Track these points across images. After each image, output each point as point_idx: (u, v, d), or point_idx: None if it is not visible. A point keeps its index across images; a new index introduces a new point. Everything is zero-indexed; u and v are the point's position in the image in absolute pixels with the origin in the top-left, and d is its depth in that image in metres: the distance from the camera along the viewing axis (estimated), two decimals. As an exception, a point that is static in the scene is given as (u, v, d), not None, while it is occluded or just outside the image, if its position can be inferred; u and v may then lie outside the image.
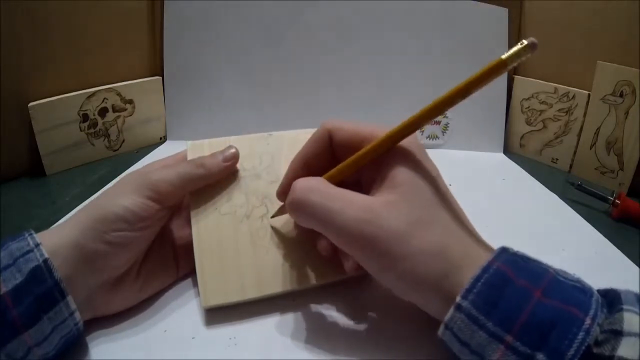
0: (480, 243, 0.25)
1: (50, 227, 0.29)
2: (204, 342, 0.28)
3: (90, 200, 0.30)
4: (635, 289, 0.22)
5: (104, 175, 0.51)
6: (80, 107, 0.53)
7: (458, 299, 0.21)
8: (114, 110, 0.56)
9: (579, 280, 0.22)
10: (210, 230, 0.31)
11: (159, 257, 0.31)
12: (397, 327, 0.29)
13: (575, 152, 0.57)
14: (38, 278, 0.23)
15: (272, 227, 0.32)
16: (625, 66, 0.50)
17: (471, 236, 0.25)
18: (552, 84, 0.58)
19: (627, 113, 0.51)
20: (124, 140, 0.58)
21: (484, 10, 0.58)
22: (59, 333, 0.24)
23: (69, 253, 0.25)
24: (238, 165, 0.33)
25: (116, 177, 0.47)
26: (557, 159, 0.59)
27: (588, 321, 0.19)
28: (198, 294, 0.30)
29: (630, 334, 0.19)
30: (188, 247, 0.31)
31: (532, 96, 0.60)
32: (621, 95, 0.51)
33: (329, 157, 0.29)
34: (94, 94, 0.53)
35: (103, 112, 0.55)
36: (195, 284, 0.32)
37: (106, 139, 0.56)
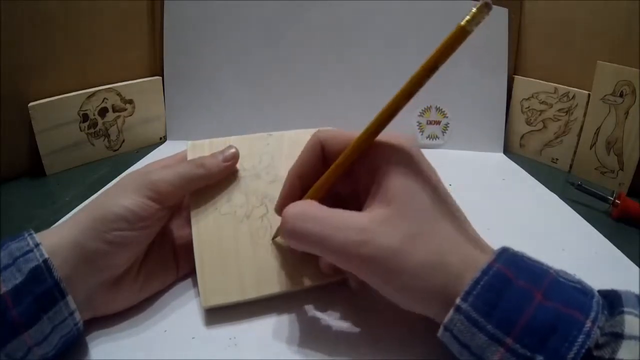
0: (481, 247, 0.24)
1: (50, 227, 0.29)
2: (204, 342, 0.28)
3: (90, 200, 0.30)
4: (635, 290, 0.22)
5: (104, 175, 0.51)
6: (80, 107, 0.53)
7: (458, 300, 0.21)
8: (114, 110, 0.56)
9: (579, 282, 0.22)
10: (210, 230, 0.31)
11: (159, 257, 0.31)
12: (397, 328, 0.29)
13: (575, 152, 0.57)
14: (38, 278, 0.23)
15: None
16: (625, 66, 0.50)
17: (472, 242, 0.24)
18: (552, 84, 0.58)
19: (627, 113, 0.51)
20: (124, 140, 0.58)
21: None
22: (58, 333, 0.24)
23: (68, 253, 0.25)
24: (238, 165, 0.33)
25: (116, 177, 0.47)
26: (557, 159, 0.59)
27: (588, 324, 0.19)
28: (198, 294, 0.30)
29: (630, 337, 0.19)
30: (188, 247, 0.31)
31: (532, 96, 0.60)
32: (621, 95, 0.51)
33: (323, 167, 0.28)
34: (94, 94, 0.53)
35: (103, 112, 0.55)
36: (195, 284, 0.32)
37: (106, 139, 0.56)
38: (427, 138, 0.62)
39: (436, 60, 0.22)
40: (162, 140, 0.61)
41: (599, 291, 0.22)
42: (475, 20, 0.21)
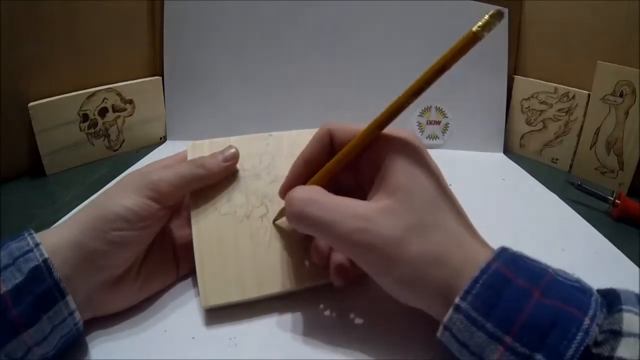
0: (481, 245, 0.24)
1: (50, 227, 0.29)
2: (204, 342, 0.28)
3: (90, 200, 0.30)
4: (635, 289, 0.22)
5: (104, 175, 0.51)
6: (80, 107, 0.53)
7: (457, 300, 0.21)
8: (114, 110, 0.56)
9: (578, 280, 0.22)
10: (210, 230, 0.31)
11: (159, 257, 0.31)
12: (396, 328, 0.29)
13: (575, 152, 0.57)
14: (38, 278, 0.23)
15: (274, 225, 0.32)
16: (625, 66, 0.50)
17: (472, 239, 0.24)
18: (552, 84, 0.58)
19: (627, 113, 0.51)
20: (124, 140, 0.58)
21: (484, 10, 0.58)
22: (58, 333, 0.24)
23: (68, 253, 0.25)
24: (238, 165, 0.33)
25: (116, 177, 0.47)
26: (557, 159, 0.59)
27: (587, 321, 0.19)
28: (198, 294, 0.30)
29: (629, 335, 0.19)
30: (188, 247, 0.31)
31: (532, 96, 0.60)
32: (621, 95, 0.51)
33: (329, 157, 0.29)
34: (94, 94, 0.53)
35: (103, 112, 0.55)
36: (195, 284, 0.32)
37: (106, 139, 0.56)
38: (427, 138, 0.62)
39: (445, 62, 0.23)
40: (162, 140, 0.61)
41: (597, 290, 0.22)
42: (487, 27, 0.22)
